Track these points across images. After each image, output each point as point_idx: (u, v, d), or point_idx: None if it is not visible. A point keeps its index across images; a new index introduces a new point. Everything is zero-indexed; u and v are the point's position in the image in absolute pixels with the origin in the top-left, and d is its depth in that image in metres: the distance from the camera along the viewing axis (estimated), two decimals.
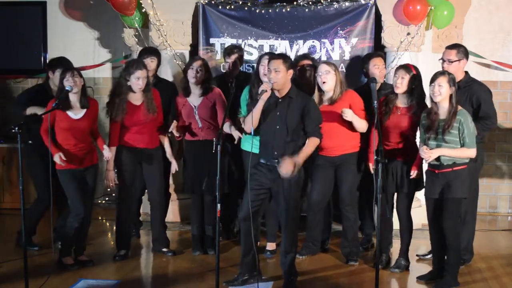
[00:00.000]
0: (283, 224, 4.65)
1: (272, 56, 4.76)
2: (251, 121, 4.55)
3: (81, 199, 5.00)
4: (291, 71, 4.60)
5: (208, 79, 5.36)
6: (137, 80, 5.08)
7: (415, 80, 4.90)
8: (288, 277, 4.70)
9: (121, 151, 5.22)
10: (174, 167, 5.46)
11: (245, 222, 4.62)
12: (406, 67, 4.98)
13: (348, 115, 4.98)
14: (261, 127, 4.62)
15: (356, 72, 6.25)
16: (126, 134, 5.20)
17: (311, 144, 4.57)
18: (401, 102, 4.96)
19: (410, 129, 4.92)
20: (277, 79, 4.51)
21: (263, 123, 4.61)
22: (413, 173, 4.84)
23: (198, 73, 5.24)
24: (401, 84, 4.89)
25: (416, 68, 4.98)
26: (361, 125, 5.09)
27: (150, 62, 5.74)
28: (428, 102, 4.90)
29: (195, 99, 5.34)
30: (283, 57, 4.65)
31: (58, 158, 4.85)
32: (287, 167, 4.40)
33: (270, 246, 5.50)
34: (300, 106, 4.57)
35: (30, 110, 5.34)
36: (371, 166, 5.07)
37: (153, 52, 5.88)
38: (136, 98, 5.18)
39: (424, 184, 4.86)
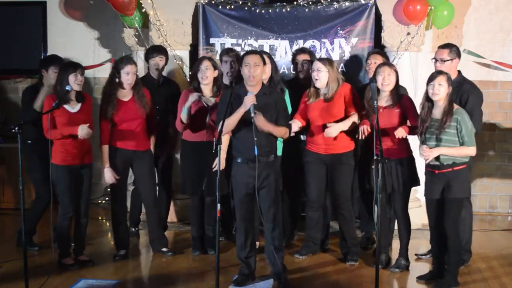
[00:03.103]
0: (270, 219, 4.63)
1: (252, 51, 4.76)
2: (226, 128, 4.53)
3: (71, 198, 5.00)
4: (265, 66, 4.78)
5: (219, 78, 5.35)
6: (127, 75, 5.11)
7: (397, 76, 4.94)
8: (283, 274, 4.71)
9: (112, 153, 5.20)
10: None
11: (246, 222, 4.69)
12: (389, 64, 5.00)
13: (333, 133, 4.96)
14: (237, 127, 4.57)
15: (356, 72, 6.26)
16: (117, 135, 5.18)
17: (282, 129, 4.62)
18: (385, 101, 4.95)
19: (400, 125, 4.88)
20: (256, 74, 4.55)
21: (238, 123, 4.56)
22: (398, 131, 4.76)
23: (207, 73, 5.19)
24: (390, 80, 4.89)
25: (394, 66, 5.05)
26: (352, 122, 5.06)
27: (159, 61, 5.78)
28: (416, 100, 4.91)
29: (207, 99, 5.30)
30: (260, 53, 4.72)
31: (83, 128, 4.85)
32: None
33: None
34: (274, 103, 4.61)
35: (36, 105, 5.32)
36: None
37: (162, 50, 5.90)
38: (124, 95, 5.19)
39: (423, 183, 4.85)
